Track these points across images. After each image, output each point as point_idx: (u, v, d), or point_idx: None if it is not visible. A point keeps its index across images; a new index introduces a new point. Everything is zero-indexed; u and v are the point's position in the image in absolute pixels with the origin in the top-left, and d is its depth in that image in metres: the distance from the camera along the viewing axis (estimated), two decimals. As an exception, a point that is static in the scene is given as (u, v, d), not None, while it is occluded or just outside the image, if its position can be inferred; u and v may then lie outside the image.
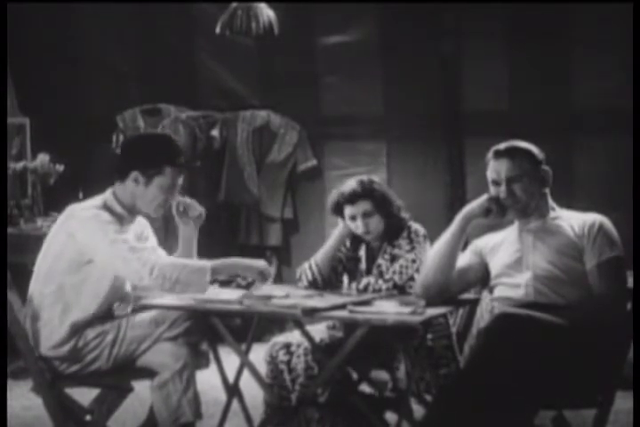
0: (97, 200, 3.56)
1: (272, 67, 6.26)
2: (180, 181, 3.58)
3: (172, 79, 6.36)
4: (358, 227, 3.75)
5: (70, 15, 6.38)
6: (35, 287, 3.52)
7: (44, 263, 3.52)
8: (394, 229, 3.78)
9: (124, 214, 3.54)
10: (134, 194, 3.53)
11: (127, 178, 3.52)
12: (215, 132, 6.24)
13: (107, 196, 3.56)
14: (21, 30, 6.21)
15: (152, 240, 3.73)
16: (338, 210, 3.81)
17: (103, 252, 3.39)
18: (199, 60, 6.40)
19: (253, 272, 3.51)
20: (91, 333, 3.46)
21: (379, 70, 6.07)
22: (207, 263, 3.44)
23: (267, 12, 4.89)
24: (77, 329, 3.46)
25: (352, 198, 3.75)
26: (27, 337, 3.44)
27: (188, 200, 3.67)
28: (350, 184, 3.79)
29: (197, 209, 3.68)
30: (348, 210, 3.77)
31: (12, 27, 5.63)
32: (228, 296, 3.53)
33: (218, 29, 4.93)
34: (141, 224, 3.70)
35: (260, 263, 3.53)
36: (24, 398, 4.46)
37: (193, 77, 6.43)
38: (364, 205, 3.74)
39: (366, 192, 3.75)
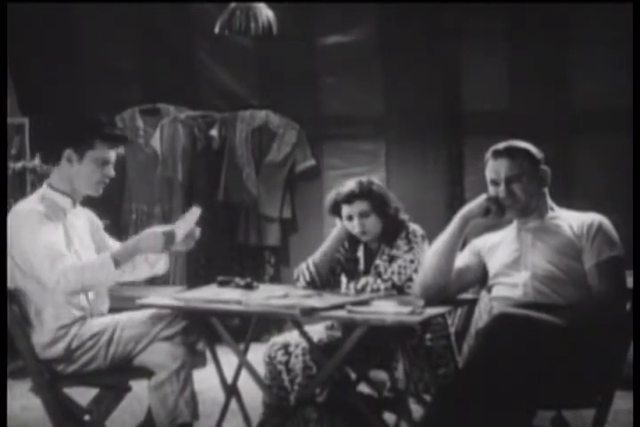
0: (35, 195, 3.55)
1: (271, 67, 6.24)
2: (114, 155, 3.54)
3: (171, 79, 6.35)
4: (354, 227, 3.74)
5: (70, 15, 6.37)
6: (9, 286, 3.47)
7: (8, 264, 3.47)
8: (392, 231, 3.77)
9: (63, 203, 3.52)
10: (71, 175, 3.51)
11: (61, 160, 3.51)
12: (214, 132, 6.23)
13: (42, 189, 3.56)
14: (21, 30, 6.21)
15: (101, 230, 3.72)
16: (335, 210, 3.80)
17: (34, 253, 3.34)
18: (198, 60, 6.39)
19: (157, 242, 3.40)
20: (86, 333, 3.45)
21: (378, 70, 6.06)
22: (107, 257, 3.37)
23: (266, 12, 4.87)
24: (63, 326, 3.44)
25: (349, 198, 3.74)
26: (25, 337, 3.43)
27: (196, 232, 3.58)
28: (349, 184, 3.79)
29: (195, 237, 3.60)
30: (345, 210, 3.76)
31: (12, 27, 5.62)
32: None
33: (217, 29, 4.92)
34: (88, 215, 3.67)
35: (157, 232, 3.43)
36: (23, 398, 4.46)
37: (192, 77, 6.42)
38: (360, 206, 3.73)
39: (364, 192, 3.74)
